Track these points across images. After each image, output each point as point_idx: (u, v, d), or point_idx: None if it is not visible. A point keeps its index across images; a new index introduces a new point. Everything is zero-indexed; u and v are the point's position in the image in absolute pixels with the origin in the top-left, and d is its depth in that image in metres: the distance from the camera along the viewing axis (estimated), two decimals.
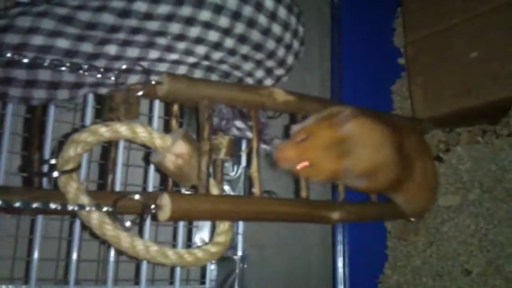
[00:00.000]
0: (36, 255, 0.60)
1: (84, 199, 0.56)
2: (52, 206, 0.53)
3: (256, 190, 0.68)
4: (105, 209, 0.56)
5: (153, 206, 0.58)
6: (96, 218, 0.56)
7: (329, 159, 0.66)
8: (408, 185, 0.80)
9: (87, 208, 0.55)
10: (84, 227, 0.61)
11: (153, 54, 0.61)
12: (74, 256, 0.62)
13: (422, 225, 1.01)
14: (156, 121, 0.69)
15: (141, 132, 0.61)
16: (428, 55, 1.02)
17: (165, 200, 0.58)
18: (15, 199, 0.51)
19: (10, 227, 0.64)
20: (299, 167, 0.65)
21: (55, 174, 0.55)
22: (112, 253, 0.65)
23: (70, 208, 0.54)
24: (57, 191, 0.56)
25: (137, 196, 0.58)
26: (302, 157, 0.65)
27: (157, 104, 0.70)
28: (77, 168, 0.56)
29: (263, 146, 0.71)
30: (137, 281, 0.68)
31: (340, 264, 0.99)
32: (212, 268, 0.74)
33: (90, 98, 0.64)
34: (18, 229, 0.68)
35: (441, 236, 0.98)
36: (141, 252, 0.58)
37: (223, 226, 0.66)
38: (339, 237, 0.99)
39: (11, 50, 0.52)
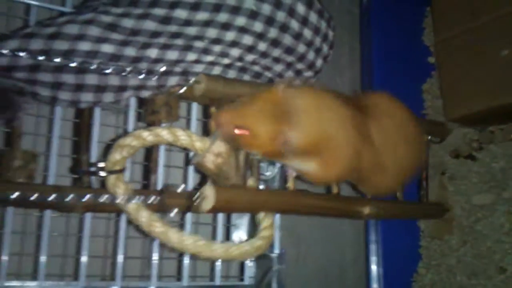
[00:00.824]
0: (85, 252, 0.63)
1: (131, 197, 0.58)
2: (103, 200, 0.55)
3: (290, 184, 0.69)
4: (152, 198, 0.58)
5: (197, 196, 0.60)
6: (144, 216, 0.58)
7: (268, 124, 0.60)
8: (375, 175, 0.71)
9: (136, 200, 0.57)
10: (130, 225, 0.64)
11: (191, 56, 0.63)
12: (121, 253, 0.65)
13: (455, 224, 1.00)
14: (194, 123, 0.71)
15: (181, 136, 0.63)
16: (459, 54, 1.01)
17: (209, 190, 0.60)
18: (67, 196, 0.54)
19: (58, 227, 0.67)
20: (237, 132, 0.60)
21: (104, 174, 0.57)
22: (156, 250, 0.67)
23: (119, 201, 0.56)
24: (106, 190, 0.58)
25: (181, 187, 0.61)
26: (239, 121, 0.60)
27: (195, 107, 0.72)
28: (123, 170, 0.59)
29: None
30: (179, 277, 0.70)
31: (373, 263, 0.98)
32: (250, 265, 0.75)
33: (132, 101, 0.66)
34: (67, 227, 0.71)
35: (475, 235, 0.97)
36: (189, 246, 0.60)
37: (266, 221, 0.67)
38: (372, 236, 1.00)
39: (60, 56, 0.55)
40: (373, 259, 0.99)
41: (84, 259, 0.62)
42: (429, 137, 0.88)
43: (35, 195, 0.52)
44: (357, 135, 0.65)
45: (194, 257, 0.66)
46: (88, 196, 0.55)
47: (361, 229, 1.02)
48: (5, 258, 0.59)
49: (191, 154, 0.69)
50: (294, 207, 0.68)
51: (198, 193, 0.61)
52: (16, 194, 0.51)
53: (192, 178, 0.69)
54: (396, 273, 1.00)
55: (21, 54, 0.53)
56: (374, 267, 0.98)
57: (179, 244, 0.60)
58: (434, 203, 0.92)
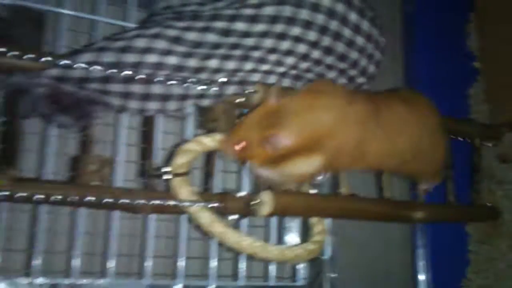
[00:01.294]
0: (150, 252, 0.66)
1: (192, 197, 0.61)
2: (169, 203, 0.59)
3: (343, 189, 0.71)
4: (213, 204, 0.61)
5: (255, 202, 0.62)
6: (205, 217, 0.61)
7: (256, 131, 0.60)
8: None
9: (199, 204, 0.60)
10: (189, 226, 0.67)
11: (248, 66, 0.66)
12: (182, 253, 0.68)
13: (505, 229, 0.99)
14: None
15: None
16: (504, 58, 1.01)
17: (267, 196, 0.62)
18: (137, 198, 0.57)
19: (124, 228, 0.71)
20: (237, 148, 0.61)
21: (169, 176, 0.60)
22: (214, 250, 0.69)
23: (184, 204, 0.60)
24: (171, 194, 0.61)
25: (240, 194, 0.63)
26: (234, 138, 0.61)
27: None
28: (188, 173, 0.62)
29: None
30: (235, 277, 0.72)
31: (421, 267, 0.98)
32: (302, 266, 0.76)
33: (192, 109, 0.69)
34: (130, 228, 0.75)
35: None
36: (246, 247, 0.62)
37: (319, 227, 0.69)
38: (420, 241, 1.00)
39: (129, 68, 0.59)
40: (421, 263, 0.99)
41: (148, 258, 0.66)
42: (481, 141, 0.88)
43: (110, 198, 0.55)
44: (361, 128, 0.64)
45: (250, 258, 0.69)
46: (156, 199, 0.58)
47: (409, 233, 1.02)
48: (77, 257, 0.62)
49: None
50: (347, 212, 0.69)
51: (256, 199, 0.63)
52: (92, 196, 0.54)
53: (246, 183, 0.72)
54: (444, 278, 1.00)
55: (94, 66, 0.56)
56: (421, 272, 0.98)
57: (237, 245, 0.62)
58: (488, 206, 0.91)
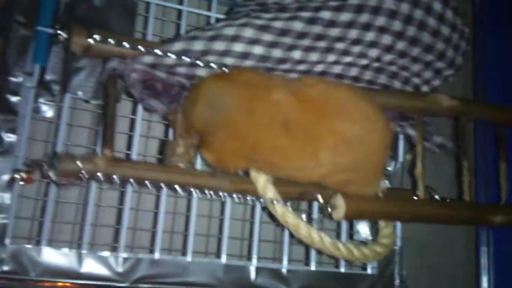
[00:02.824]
0: (226, 234, 0.68)
1: (270, 190, 0.62)
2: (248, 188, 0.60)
3: (420, 193, 0.69)
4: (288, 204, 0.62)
5: (328, 205, 0.63)
6: (280, 208, 0.62)
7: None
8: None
9: (275, 202, 0.61)
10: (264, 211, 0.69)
11: (331, 57, 0.66)
12: (256, 236, 0.69)
13: None
14: None
15: None
16: None
17: (339, 200, 0.62)
18: (222, 181, 0.59)
19: (202, 210, 0.73)
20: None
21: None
22: (287, 236, 0.70)
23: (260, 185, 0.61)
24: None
25: (318, 195, 0.64)
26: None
27: None
28: None
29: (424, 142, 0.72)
30: (307, 262, 0.73)
31: (484, 265, 0.96)
32: None
33: None
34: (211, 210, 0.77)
35: None
36: (316, 241, 0.63)
37: (388, 230, 0.69)
38: (483, 238, 0.97)
39: (216, 56, 0.60)
40: (484, 261, 0.96)
41: (225, 239, 0.67)
42: None
43: (195, 179, 0.57)
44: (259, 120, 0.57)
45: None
46: (237, 182, 0.60)
47: (473, 231, 0.99)
48: (159, 236, 0.65)
49: None
50: (422, 217, 0.68)
51: (328, 203, 0.63)
52: (180, 177, 0.56)
53: None
54: (508, 276, 0.97)
55: (186, 54, 0.58)
56: (484, 270, 0.95)
57: (307, 238, 0.63)
58: None
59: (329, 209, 0.63)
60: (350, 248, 0.66)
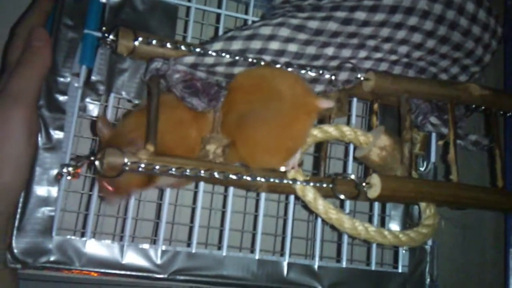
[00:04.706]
0: (259, 230, 0.69)
1: (310, 190, 0.63)
2: (286, 181, 0.61)
3: (453, 176, 0.69)
4: (325, 185, 0.63)
5: (364, 184, 0.63)
6: (321, 204, 0.63)
7: None
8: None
9: (311, 184, 0.62)
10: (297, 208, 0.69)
11: (362, 53, 0.67)
12: (289, 232, 0.70)
13: None
14: (354, 119, 0.74)
15: (347, 131, 0.67)
16: None
17: (375, 179, 0.63)
18: (259, 176, 0.60)
19: (238, 205, 0.74)
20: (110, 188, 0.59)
21: (284, 168, 0.62)
22: (319, 233, 0.71)
23: (299, 186, 0.62)
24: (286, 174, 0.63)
25: (352, 176, 0.64)
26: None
27: (354, 103, 0.75)
28: (301, 164, 0.64)
29: (457, 140, 0.72)
30: (338, 259, 0.73)
31: None
32: (404, 253, 0.76)
33: None
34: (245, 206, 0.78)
35: None
36: (361, 232, 0.63)
37: (430, 211, 0.68)
38: None
39: (253, 54, 0.61)
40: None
41: (259, 235, 0.68)
42: None
43: (234, 174, 0.58)
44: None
45: (352, 241, 0.69)
46: (272, 177, 0.61)
47: (502, 231, 0.97)
48: (196, 230, 0.66)
49: (350, 145, 0.72)
50: (457, 199, 0.67)
51: (365, 182, 0.64)
52: (218, 172, 0.58)
53: (351, 169, 0.73)
54: None
55: (224, 54, 0.59)
56: None
57: (352, 230, 0.63)
58: None
59: (365, 188, 0.63)
60: (396, 234, 0.66)
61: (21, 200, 0.60)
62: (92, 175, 0.67)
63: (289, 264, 0.68)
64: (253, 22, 0.70)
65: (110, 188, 0.57)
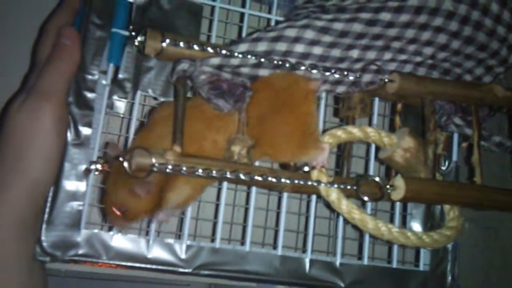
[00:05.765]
0: (282, 226, 0.69)
1: (333, 191, 0.63)
2: (310, 183, 0.61)
3: (477, 179, 0.69)
4: (349, 187, 0.62)
5: (388, 186, 0.63)
6: (344, 204, 0.63)
7: (124, 183, 0.58)
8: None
9: (335, 186, 0.62)
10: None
11: (387, 55, 0.66)
12: (311, 229, 0.70)
13: None
14: (375, 119, 0.74)
15: (371, 132, 0.67)
16: None
17: (399, 182, 0.63)
18: (281, 177, 0.60)
19: (260, 203, 0.75)
20: (118, 212, 0.59)
21: (306, 168, 0.63)
22: (340, 230, 0.71)
23: (323, 187, 0.62)
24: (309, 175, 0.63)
25: (376, 178, 0.64)
26: (112, 202, 0.61)
27: (376, 103, 0.74)
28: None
29: (481, 142, 0.71)
30: (360, 256, 0.73)
31: None
32: (425, 252, 0.75)
33: (324, 96, 0.70)
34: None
35: None
36: (385, 233, 0.63)
37: (453, 213, 0.68)
38: None
39: (278, 56, 0.61)
40: None
41: (281, 231, 0.69)
42: None
43: (259, 175, 0.58)
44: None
45: (374, 239, 0.69)
46: (296, 179, 0.61)
47: None
48: (220, 226, 0.67)
49: (372, 145, 0.72)
50: (481, 201, 0.67)
51: (389, 184, 0.63)
52: (243, 173, 0.58)
53: (373, 168, 0.72)
54: None
55: (249, 55, 0.59)
56: None
57: (375, 231, 0.63)
58: None
59: (389, 190, 0.63)
60: (419, 236, 0.66)
61: (50, 194, 0.61)
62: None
63: (311, 261, 0.69)
64: (277, 22, 0.70)
65: (118, 213, 0.57)
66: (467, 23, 0.65)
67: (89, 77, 0.65)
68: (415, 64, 0.68)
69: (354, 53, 0.64)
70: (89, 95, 0.64)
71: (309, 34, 0.61)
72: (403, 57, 0.67)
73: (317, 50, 0.62)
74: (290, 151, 0.62)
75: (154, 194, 0.57)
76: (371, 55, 0.65)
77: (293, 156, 0.63)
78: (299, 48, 0.61)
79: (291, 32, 0.60)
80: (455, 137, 0.76)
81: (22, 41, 0.77)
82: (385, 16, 0.62)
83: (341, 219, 0.70)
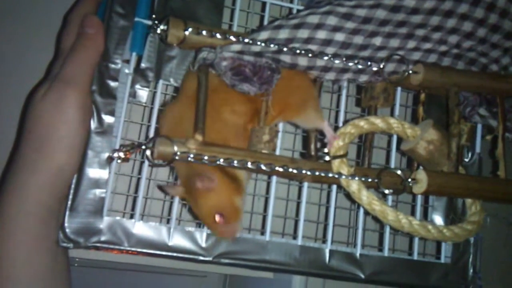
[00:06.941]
0: (302, 216, 0.68)
1: (354, 182, 0.62)
2: (331, 175, 0.60)
3: (501, 172, 0.67)
4: (370, 180, 0.61)
5: (410, 179, 0.61)
6: (365, 194, 0.62)
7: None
8: None
9: (357, 178, 0.61)
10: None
11: (411, 44, 0.64)
12: (331, 220, 0.69)
13: None
14: (397, 109, 0.72)
15: (394, 124, 0.65)
16: None
17: (421, 175, 0.61)
18: (302, 168, 0.59)
19: (280, 193, 0.74)
20: (219, 219, 0.60)
21: (327, 158, 0.63)
22: (361, 221, 0.70)
23: (343, 178, 0.61)
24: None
25: (398, 171, 0.62)
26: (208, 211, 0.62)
27: (398, 93, 0.72)
28: (346, 154, 0.63)
29: (506, 134, 0.69)
30: (380, 248, 0.72)
31: None
32: (447, 244, 0.74)
33: (346, 85, 0.69)
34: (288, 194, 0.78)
35: None
36: (405, 225, 0.62)
37: (475, 207, 0.67)
38: None
39: (299, 43, 0.60)
40: None
41: (301, 222, 0.68)
42: None
43: (280, 165, 0.58)
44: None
45: (394, 231, 0.68)
46: (317, 170, 0.60)
47: None
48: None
49: (394, 136, 0.70)
50: (505, 196, 0.65)
51: (411, 177, 0.62)
52: (265, 163, 0.57)
53: (394, 161, 0.71)
54: None
55: (272, 42, 0.58)
56: None
57: (396, 222, 0.62)
58: None
59: (411, 183, 0.62)
60: (440, 229, 0.65)
61: (73, 181, 0.61)
62: (141, 160, 0.68)
63: (331, 251, 0.68)
64: (298, 11, 0.69)
65: (219, 219, 0.58)
66: (493, 10, 0.63)
67: (112, 66, 0.65)
68: (440, 54, 0.66)
69: (377, 41, 0.62)
70: (112, 83, 0.64)
71: (332, 20, 0.59)
72: (427, 45, 0.65)
73: (339, 37, 0.60)
74: (295, 105, 0.63)
75: (230, 185, 0.59)
76: (394, 43, 0.63)
77: (298, 112, 0.64)
78: (321, 34, 0.60)
79: (314, 19, 0.59)
80: (479, 128, 0.74)
81: (47, 31, 0.77)
82: (410, 2, 0.60)
83: (361, 210, 0.69)
